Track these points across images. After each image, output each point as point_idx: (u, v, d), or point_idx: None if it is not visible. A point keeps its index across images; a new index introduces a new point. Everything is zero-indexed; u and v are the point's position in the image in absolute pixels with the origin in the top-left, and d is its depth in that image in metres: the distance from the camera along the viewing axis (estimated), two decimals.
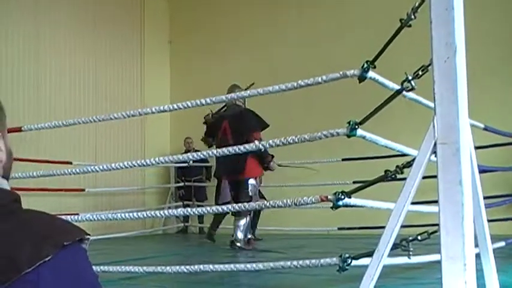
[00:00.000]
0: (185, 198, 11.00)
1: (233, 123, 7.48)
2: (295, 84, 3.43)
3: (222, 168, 7.59)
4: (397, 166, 2.80)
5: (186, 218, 11.19)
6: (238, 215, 7.24)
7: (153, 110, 4.16)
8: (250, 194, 7.27)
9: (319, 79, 3.38)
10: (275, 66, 10.71)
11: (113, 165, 4.97)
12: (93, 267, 1.09)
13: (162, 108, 4.08)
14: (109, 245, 7.97)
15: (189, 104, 4.06)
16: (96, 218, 5.21)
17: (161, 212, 4.77)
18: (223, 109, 8.12)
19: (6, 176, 1.15)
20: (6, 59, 9.11)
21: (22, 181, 6.24)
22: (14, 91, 9.17)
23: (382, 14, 8.92)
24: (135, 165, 4.30)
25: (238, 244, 7.10)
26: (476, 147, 2.66)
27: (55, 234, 1.02)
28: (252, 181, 7.39)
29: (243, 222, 7.23)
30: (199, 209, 4.56)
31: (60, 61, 9.95)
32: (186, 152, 10.35)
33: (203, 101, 4.01)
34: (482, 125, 5.41)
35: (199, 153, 4.07)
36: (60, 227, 1.06)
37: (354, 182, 9.10)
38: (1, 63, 9.05)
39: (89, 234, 1.08)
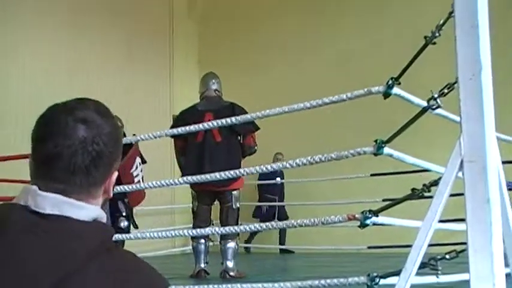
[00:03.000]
0: (264, 219, 9.78)
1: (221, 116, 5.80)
2: (320, 101, 3.44)
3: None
4: (424, 185, 2.78)
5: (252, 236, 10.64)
6: (225, 237, 6.08)
7: (180, 130, 4.20)
8: (237, 206, 6.25)
9: (344, 96, 3.39)
10: (306, 82, 10.73)
11: (142, 184, 5.02)
12: None
13: (188, 128, 4.12)
14: None
15: (219, 123, 4.10)
16: (126, 237, 5.26)
17: (189, 231, 4.80)
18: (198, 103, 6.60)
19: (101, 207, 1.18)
20: (41, 81, 9.27)
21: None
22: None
23: (411, 30, 8.90)
24: (172, 184, 4.35)
25: (232, 273, 6.00)
26: (505, 162, 2.63)
27: (146, 282, 1.08)
28: (236, 192, 6.27)
29: (232, 245, 6.07)
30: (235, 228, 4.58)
31: (90, 85, 10.09)
32: None
33: (233, 120, 4.02)
34: (511, 139, 5.30)
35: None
36: (150, 276, 1.12)
37: (384, 200, 9.04)
38: (34, 83, 9.20)
39: (169, 284, 1.16)
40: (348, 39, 10.90)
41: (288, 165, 3.48)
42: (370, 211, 3.16)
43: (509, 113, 8.45)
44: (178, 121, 6.19)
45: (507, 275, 2.24)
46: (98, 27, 10.28)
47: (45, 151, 1.10)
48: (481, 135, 2.11)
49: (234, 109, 6.04)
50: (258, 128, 6.37)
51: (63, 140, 1.09)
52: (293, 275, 6.08)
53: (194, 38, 12.62)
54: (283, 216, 10.28)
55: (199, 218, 6.23)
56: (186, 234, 4.46)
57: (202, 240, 6.17)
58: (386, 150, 3.22)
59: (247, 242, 10.64)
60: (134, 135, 7.24)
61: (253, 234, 10.57)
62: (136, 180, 6.76)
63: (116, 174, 1.18)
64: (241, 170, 4.48)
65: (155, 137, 4.13)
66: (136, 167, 6.86)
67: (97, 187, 1.13)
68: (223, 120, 3.94)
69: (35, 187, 1.09)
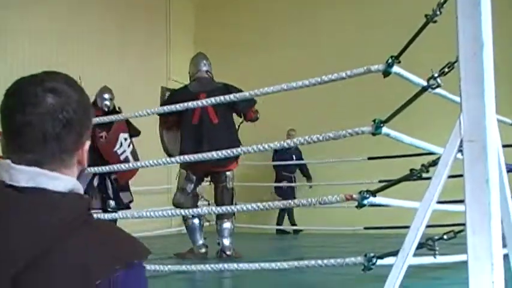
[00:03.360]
0: (286, 196, 9.68)
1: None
2: (319, 79, 3.41)
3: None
4: (423, 165, 2.76)
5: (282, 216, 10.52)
6: (221, 217, 6.17)
7: (177, 107, 4.17)
8: (231, 186, 6.25)
9: (344, 74, 3.35)
10: (303, 64, 10.67)
11: (138, 163, 5.00)
12: None
13: (185, 105, 4.08)
14: None
15: (213, 101, 4.06)
16: (121, 216, 5.25)
17: (187, 211, 4.79)
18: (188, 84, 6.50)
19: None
20: (35, 63, 9.21)
21: None
22: None
23: (410, 9, 8.83)
24: (161, 163, 4.32)
25: (229, 252, 6.04)
26: (505, 146, 2.61)
27: (125, 252, 1.08)
28: (230, 173, 6.27)
29: (228, 225, 6.17)
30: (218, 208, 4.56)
31: (86, 67, 10.02)
32: None
33: (228, 97, 4.00)
34: (510, 121, 5.31)
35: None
36: (130, 245, 1.12)
37: (380, 181, 9.04)
38: (30, 63, 9.14)
39: (150, 253, 1.14)
40: (347, 18, 10.83)
41: (285, 145, 3.45)
42: (367, 191, 3.14)
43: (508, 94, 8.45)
44: (170, 100, 5.97)
45: (505, 256, 2.23)
46: (93, 9, 10.19)
47: (15, 121, 1.09)
48: (481, 114, 2.09)
49: (229, 90, 5.83)
50: (255, 101, 6.23)
51: (32, 108, 1.09)
52: (290, 256, 6.09)
53: (191, 18, 12.54)
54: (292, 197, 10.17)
55: (195, 200, 6.31)
56: (184, 214, 4.44)
57: (197, 219, 6.24)
58: (385, 130, 3.20)
59: (278, 223, 10.51)
60: (119, 108, 7.21)
61: (281, 214, 10.46)
62: (122, 157, 6.72)
63: (88, 143, 1.18)
64: (242, 149, 4.49)
65: (148, 114, 4.11)
66: (121, 144, 6.79)
67: (69, 155, 1.13)
68: (223, 98, 3.91)
69: (8, 161, 1.09)
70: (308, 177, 10.61)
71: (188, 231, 6.29)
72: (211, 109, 5.93)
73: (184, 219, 6.26)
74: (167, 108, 4.32)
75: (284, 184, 10.42)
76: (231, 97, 3.97)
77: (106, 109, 7.09)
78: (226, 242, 6.10)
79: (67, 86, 1.14)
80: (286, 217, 10.52)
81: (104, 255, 1.03)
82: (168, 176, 10.96)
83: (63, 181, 1.10)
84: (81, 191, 1.13)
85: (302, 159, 10.59)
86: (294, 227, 10.44)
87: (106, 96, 7.21)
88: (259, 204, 3.55)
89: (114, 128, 6.74)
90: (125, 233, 1.14)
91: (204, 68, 6.54)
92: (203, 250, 6.19)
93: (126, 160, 6.67)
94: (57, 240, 1.00)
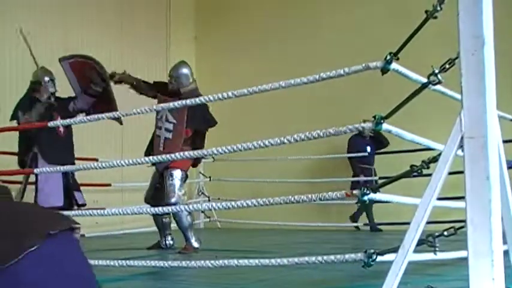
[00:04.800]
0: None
1: (191, 111, 6.25)
2: (317, 77, 3.40)
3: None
4: (423, 161, 2.76)
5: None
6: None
7: (176, 104, 4.16)
8: None
9: (342, 71, 3.35)
10: (303, 60, 10.67)
11: (138, 159, 5.00)
12: (119, 261, 1.08)
13: (185, 102, 4.08)
14: (135, 239, 8.03)
15: (214, 98, 4.06)
16: (122, 212, 5.24)
17: (186, 207, 4.80)
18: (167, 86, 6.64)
19: None
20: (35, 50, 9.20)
21: None
22: None
23: (411, 5, 8.83)
24: (161, 160, 4.33)
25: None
26: (505, 141, 2.61)
27: (40, 224, 1.01)
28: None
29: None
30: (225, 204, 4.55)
31: None
32: None
33: (229, 94, 3.98)
34: (510, 117, 5.30)
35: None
36: (45, 217, 1.05)
37: (380, 178, 9.05)
38: (27, 60, 9.13)
39: (76, 223, 1.05)
40: (347, 15, 10.82)
41: (286, 141, 3.45)
42: (367, 187, 3.14)
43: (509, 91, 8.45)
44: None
45: (505, 252, 2.23)
46: (93, 4, 10.18)
47: None
48: (482, 111, 2.08)
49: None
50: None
51: None
52: (290, 252, 6.08)
53: (191, 13, 12.51)
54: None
55: None
56: (177, 210, 4.44)
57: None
58: (385, 126, 3.19)
59: (353, 220, 9.80)
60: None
61: (359, 211, 9.68)
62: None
63: None
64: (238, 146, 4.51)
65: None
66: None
67: None
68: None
69: None
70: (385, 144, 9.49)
71: (189, 227, 6.41)
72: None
73: (183, 216, 6.32)
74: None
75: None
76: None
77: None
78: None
79: None
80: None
81: (14, 234, 0.97)
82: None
83: None
84: None
85: (380, 145, 9.65)
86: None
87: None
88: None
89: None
90: (41, 208, 1.09)
91: (193, 77, 6.81)
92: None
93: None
94: None
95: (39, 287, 0.95)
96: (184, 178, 6.39)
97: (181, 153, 4.13)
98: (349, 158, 9.76)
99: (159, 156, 4.61)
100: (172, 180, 6.24)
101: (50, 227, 1.00)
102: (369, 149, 9.68)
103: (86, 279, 1.03)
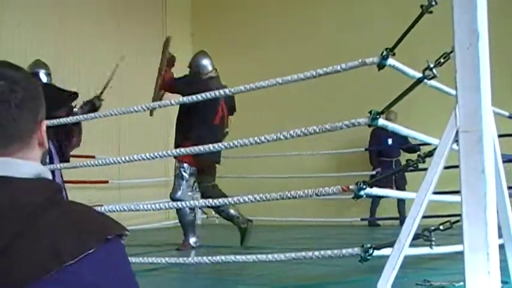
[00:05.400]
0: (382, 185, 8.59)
1: (228, 102, 6.46)
2: (314, 73, 3.40)
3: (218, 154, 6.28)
4: (419, 155, 2.77)
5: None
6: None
7: (173, 102, 4.16)
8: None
9: (338, 67, 3.35)
10: (300, 58, 10.66)
11: (135, 156, 4.99)
12: None
13: (182, 100, 4.07)
14: (133, 236, 8.03)
15: (211, 95, 4.06)
16: (119, 209, 5.24)
17: (184, 203, 4.80)
18: (192, 77, 6.54)
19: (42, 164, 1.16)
20: (32, 49, 9.19)
21: None
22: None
23: (411, 5, 8.84)
24: (158, 156, 4.30)
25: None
26: (501, 135, 2.62)
27: (99, 228, 1.06)
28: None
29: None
30: (218, 201, 4.56)
31: (82, 54, 10.02)
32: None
33: (227, 91, 4.01)
34: (506, 113, 5.31)
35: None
36: (103, 221, 1.09)
37: (376, 173, 9.06)
38: (26, 54, 9.12)
39: (127, 230, 1.11)
40: (344, 11, 10.82)
41: (282, 137, 3.45)
42: (364, 182, 3.14)
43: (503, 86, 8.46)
44: (202, 85, 6.04)
45: (500, 246, 2.24)
46: (89, 1, 10.17)
47: None
48: (477, 105, 2.09)
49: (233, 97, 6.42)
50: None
51: None
52: (288, 247, 6.09)
53: (187, 11, 12.49)
54: (401, 182, 8.64)
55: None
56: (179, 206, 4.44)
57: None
58: (381, 121, 3.20)
59: (372, 215, 9.50)
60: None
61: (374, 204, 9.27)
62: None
63: (44, 124, 1.18)
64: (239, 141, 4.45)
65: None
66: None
67: (29, 134, 1.13)
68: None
69: None
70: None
71: (189, 224, 6.31)
72: (227, 113, 6.46)
73: (186, 213, 6.24)
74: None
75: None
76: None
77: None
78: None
79: (11, 69, 1.14)
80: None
81: (74, 234, 1.01)
82: (166, 169, 10.97)
83: (27, 167, 1.09)
84: (49, 175, 1.12)
85: (405, 140, 8.88)
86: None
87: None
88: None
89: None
90: (97, 211, 1.13)
91: (213, 66, 6.66)
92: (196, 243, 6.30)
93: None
94: (26, 224, 1.00)
95: None
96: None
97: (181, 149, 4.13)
98: (369, 151, 9.50)
99: (164, 152, 4.43)
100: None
101: (107, 232, 1.05)
102: (390, 141, 9.22)
103: (133, 284, 1.09)
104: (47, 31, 9.47)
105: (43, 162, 6.79)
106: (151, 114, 6.47)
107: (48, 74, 6.68)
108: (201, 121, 6.17)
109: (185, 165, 6.25)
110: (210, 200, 5.09)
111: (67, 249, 0.99)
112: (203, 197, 6.34)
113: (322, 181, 8.13)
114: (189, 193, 6.30)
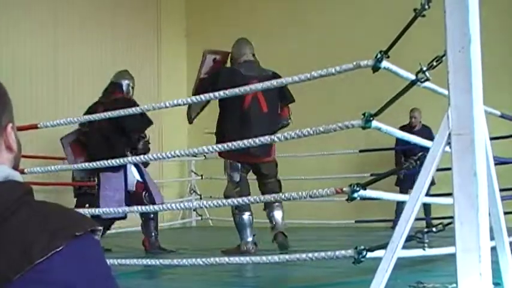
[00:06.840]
0: (405, 186, 8.19)
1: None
2: (308, 75, 3.41)
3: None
4: (412, 158, 2.78)
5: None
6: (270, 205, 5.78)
7: (167, 104, 4.17)
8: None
9: (333, 70, 3.36)
10: (294, 59, 10.67)
11: (129, 159, 5.00)
12: (111, 260, 1.10)
13: (177, 101, 4.08)
14: (127, 238, 8.03)
15: (206, 97, 4.07)
16: (114, 211, 5.25)
17: (178, 205, 4.81)
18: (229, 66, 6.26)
19: (15, 168, 1.16)
20: (24, 53, 9.17)
21: (37, 177, 6.28)
22: (33, 85, 9.24)
23: (398, 3, 8.87)
24: (152, 159, 4.32)
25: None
26: (493, 138, 2.63)
27: (67, 225, 1.05)
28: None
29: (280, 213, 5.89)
30: (217, 201, 4.56)
31: (76, 55, 10.01)
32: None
33: (221, 93, 3.96)
34: (498, 113, 5.27)
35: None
36: (72, 218, 1.08)
37: (372, 175, 9.07)
38: (18, 57, 9.10)
39: (99, 226, 1.10)
40: (338, 13, 10.84)
41: (276, 139, 3.46)
42: (357, 184, 3.16)
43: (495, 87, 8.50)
44: (223, 77, 5.78)
45: (492, 248, 2.26)
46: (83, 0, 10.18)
47: None
48: (469, 107, 2.11)
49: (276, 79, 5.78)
50: (294, 100, 6.14)
51: None
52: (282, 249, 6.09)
53: (182, 10, 12.49)
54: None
55: (246, 190, 5.93)
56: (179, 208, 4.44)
57: (249, 212, 5.81)
58: (375, 123, 3.21)
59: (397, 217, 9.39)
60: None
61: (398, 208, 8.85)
62: None
63: (10, 127, 1.16)
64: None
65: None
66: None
67: None
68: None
69: None
70: None
71: (237, 226, 5.82)
72: (261, 97, 5.76)
73: (233, 213, 5.81)
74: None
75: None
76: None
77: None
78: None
79: None
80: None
81: (43, 233, 1.01)
82: (160, 170, 10.98)
83: None
84: (19, 179, 1.12)
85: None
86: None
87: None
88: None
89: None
90: (67, 209, 1.12)
91: (251, 52, 6.38)
92: (251, 248, 5.69)
93: None
94: None
95: (67, 286, 0.99)
96: None
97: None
98: (395, 151, 9.32)
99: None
100: None
101: (75, 228, 1.04)
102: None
103: (108, 280, 1.07)
104: (39, 30, 9.45)
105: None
106: (190, 122, 6.35)
107: (132, 88, 6.53)
108: (228, 111, 5.83)
109: (228, 162, 5.99)
110: (205, 202, 5.08)
111: (36, 248, 0.99)
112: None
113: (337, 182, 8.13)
114: (236, 189, 5.85)
